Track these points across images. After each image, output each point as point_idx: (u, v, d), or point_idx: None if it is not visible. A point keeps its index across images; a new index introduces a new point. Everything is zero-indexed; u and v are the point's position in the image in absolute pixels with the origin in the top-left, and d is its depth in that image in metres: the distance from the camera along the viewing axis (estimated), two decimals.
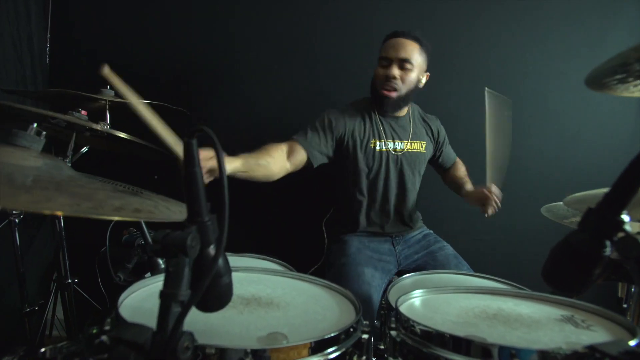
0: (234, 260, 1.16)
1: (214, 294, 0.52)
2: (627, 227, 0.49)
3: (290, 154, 1.27)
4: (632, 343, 0.52)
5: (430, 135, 1.53)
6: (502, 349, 0.51)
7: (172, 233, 0.45)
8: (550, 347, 0.51)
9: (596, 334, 0.60)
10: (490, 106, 1.15)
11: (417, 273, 1.11)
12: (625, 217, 0.50)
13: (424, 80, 1.42)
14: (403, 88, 1.34)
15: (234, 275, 0.90)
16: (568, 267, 0.54)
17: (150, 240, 1.20)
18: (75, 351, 0.64)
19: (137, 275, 1.19)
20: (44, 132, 0.74)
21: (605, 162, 1.75)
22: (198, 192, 0.47)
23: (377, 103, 1.40)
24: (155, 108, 1.39)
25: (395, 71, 1.32)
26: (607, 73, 0.61)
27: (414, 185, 1.47)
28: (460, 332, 0.57)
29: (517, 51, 1.83)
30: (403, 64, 1.32)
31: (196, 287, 0.46)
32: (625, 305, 1.55)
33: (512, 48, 1.83)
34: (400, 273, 1.35)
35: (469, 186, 1.47)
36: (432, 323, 0.61)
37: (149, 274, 1.09)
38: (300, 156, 1.29)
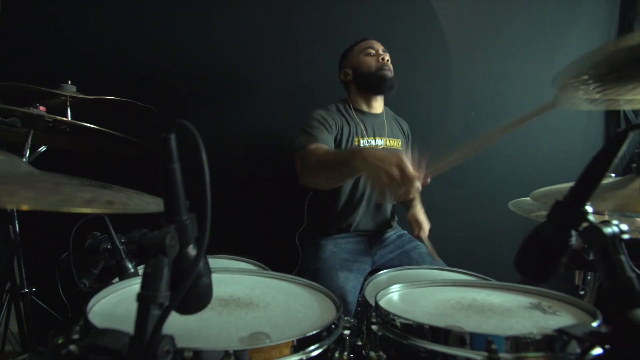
0: (214, 262, 1.13)
1: (194, 295, 0.50)
2: (591, 218, 0.53)
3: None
4: (594, 324, 0.56)
5: (403, 133, 1.59)
6: (479, 336, 0.53)
7: (149, 233, 0.43)
8: (522, 332, 0.54)
9: (562, 318, 0.64)
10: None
11: (392, 269, 1.14)
12: (589, 208, 0.54)
13: None
14: (392, 72, 1.47)
15: (212, 276, 0.87)
16: (538, 257, 0.58)
17: (118, 242, 1.14)
18: None
19: (103, 281, 1.13)
20: None
21: (568, 158, 1.88)
22: (176, 189, 0.46)
23: (375, 84, 1.45)
24: (122, 105, 1.34)
25: (386, 56, 1.47)
26: (571, 75, 0.65)
27: None
28: (438, 323, 0.59)
29: (481, 54, 1.92)
30: (386, 54, 1.48)
31: (176, 288, 0.44)
32: (582, 292, 1.68)
33: (477, 51, 1.92)
34: (374, 271, 1.38)
35: (415, 205, 1.50)
36: (411, 316, 0.63)
37: (117, 279, 1.03)
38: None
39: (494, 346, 0.50)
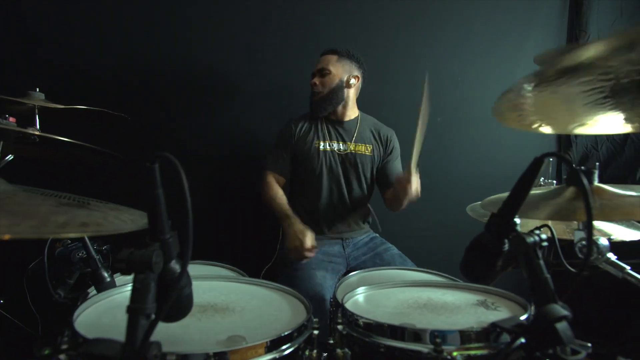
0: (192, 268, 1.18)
1: (177, 305, 0.56)
2: (518, 228, 0.64)
3: (279, 184, 1.56)
4: (522, 317, 0.68)
5: (378, 140, 1.62)
6: (428, 332, 0.63)
7: (136, 251, 0.49)
8: (465, 327, 0.64)
9: (501, 313, 0.75)
10: (427, 92, 1.32)
11: (361, 270, 1.23)
12: (517, 220, 0.64)
13: (353, 81, 1.59)
14: (324, 89, 1.55)
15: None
16: (478, 262, 0.68)
17: (93, 251, 1.16)
18: None
19: (78, 291, 1.14)
20: None
21: (523, 164, 2.04)
22: (160, 212, 0.52)
23: (310, 109, 1.60)
24: (94, 113, 1.35)
25: (315, 80, 1.57)
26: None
27: (360, 185, 1.58)
28: (395, 321, 0.68)
29: (445, 62, 2.05)
30: (321, 72, 1.56)
31: (162, 300, 0.51)
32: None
33: (442, 59, 2.05)
34: (348, 272, 1.47)
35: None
36: (372, 316, 0.72)
37: (92, 289, 1.06)
38: (281, 180, 1.57)
39: (438, 340, 0.60)
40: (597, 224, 1.15)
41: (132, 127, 1.64)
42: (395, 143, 1.67)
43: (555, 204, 0.87)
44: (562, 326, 0.53)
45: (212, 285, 0.95)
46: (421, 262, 1.45)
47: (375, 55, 1.91)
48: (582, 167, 0.89)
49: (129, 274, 0.48)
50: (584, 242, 0.86)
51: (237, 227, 1.88)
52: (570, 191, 0.90)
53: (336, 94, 1.55)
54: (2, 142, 1.08)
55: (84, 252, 1.15)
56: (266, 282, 0.98)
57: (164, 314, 0.55)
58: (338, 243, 1.56)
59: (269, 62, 1.85)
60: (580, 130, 0.76)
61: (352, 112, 1.62)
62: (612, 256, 0.84)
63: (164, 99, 1.78)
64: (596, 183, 0.88)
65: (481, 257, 0.68)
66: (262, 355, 0.62)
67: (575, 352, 0.53)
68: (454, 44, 2.04)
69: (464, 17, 2.04)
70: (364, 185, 1.60)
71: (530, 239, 0.60)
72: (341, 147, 1.56)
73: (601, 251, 0.85)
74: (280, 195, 1.52)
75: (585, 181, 0.55)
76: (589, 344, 0.93)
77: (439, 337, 0.61)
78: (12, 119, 1.06)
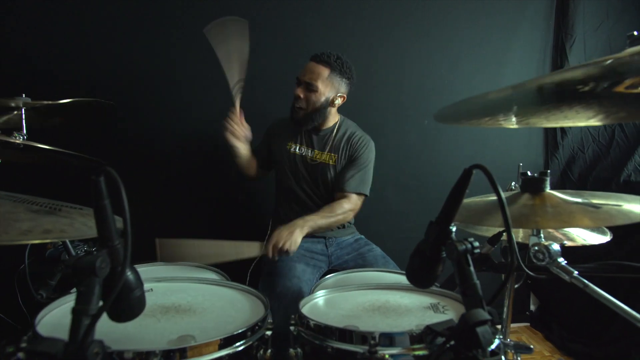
0: (171, 269, 1.23)
1: (126, 306, 0.61)
2: (453, 236, 0.68)
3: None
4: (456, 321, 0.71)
5: (346, 149, 1.59)
6: (368, 334, 0.67)
7: (83, 257, 0.54)
8: (405, 329, 0.68)
9: (445, 316, 0.79)
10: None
11: (339, 272, 1.27)
12: (453, 228, 0.68)
13: (338, 101, 1.54)
14: (308, 107, 1.50)
15: (161, 285, 0.99)
16: (419, 268, 0.72)
17: (73, 252, 1.22)
18: None
19: (61, 291, 1.20)
20: None
21: (509, 166, 2.06)
22: (108, 220, 0.57)
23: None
24: (81, 105, 1.41)
25: (300, 92, 1.50)
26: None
27: (327, 191, 1.59)
28: (343, 324, 0.73)
29: (433, 65, 2.08)
30: (308, 86, 1.48)
31: (105, 301, 0.56)
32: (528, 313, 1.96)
33: (429, 62, 2.08)
34: (331, 271, 1.46)
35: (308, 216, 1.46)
36: (324, 319, 0.76)
37: (74, 290, 1.12)
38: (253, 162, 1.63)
39: (373, 341, 0.64)
40: (569, 229, 1.19)
41: (119, 127, 1.72)
42: (363, 154, 1.57)
43: (512, 211, 0.90)
44: (482, 330, 0.57)
45: (183, 287, 1.00)
46: (405, 263, 1.48)
47: (360, 57, 1.95)
48: (530, 174, 0.92)
49: (75, 279, 0.53)
50: (537, 248, 0.90)
51: (226, 227, 1.94)
52: (525, 198, 0.93)
53: (318, 113, 1.52)
54: None
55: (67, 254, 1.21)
56: (237, 285, 1.02)
57: (113, 314, 0.61)
58: (321, 242, 1.60)
59: (259, 62, 1.89)
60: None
61: (332, 120, 1.62)
62: (562, 261, 0.87)
63: (152, 97, 1.83)
64: (547, 190, 0.91)
65: (421, 264, 0.72)
66: (216, 351, 0.67)
67: (494, 354, 0.57)
68: (441, 45, 2.07)
69: (451, 18, 2.07)
70: (330, 192, 1.60)
71: (462, 247, 0.64)
72: (309, 154, 1.59)
73: (552, 256, 0.88)
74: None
75: (500, 192, 0.59)
76: (531, 347, 0.97)
77: (375, 339, 0.65)
78: None
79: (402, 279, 1.20)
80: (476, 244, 0.66)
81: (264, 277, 1.44)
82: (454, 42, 2.08)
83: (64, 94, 1.37)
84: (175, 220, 1.86)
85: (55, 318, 0.74)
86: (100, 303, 0.53)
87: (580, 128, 2.09)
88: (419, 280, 0.74)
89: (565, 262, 0.88)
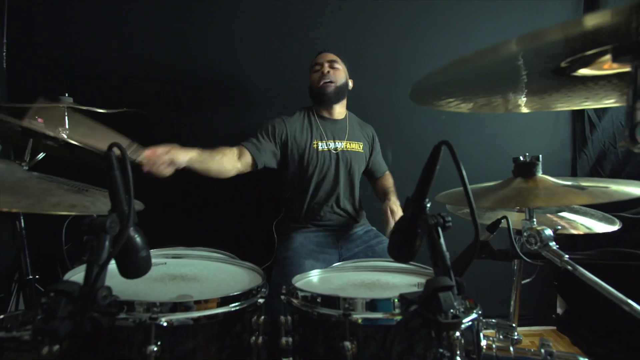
0: (187, 252, 1.36)
1: (134, 264, 0.73)
2: (427, 210, 0.73)
3: (240, 156, 1.55)
4: None
5: (366, 137, 1.78)
6: (344, 299, 0.74)
7: (97, 218, 0.66)
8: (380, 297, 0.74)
9: None
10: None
11: (344, 262, 1.33)
12: (427, 204, 0.74)
13: (350, 85, 1.74)
14: (337, 80, 1.66)
15: (174, 260, 1.11)
16: (398, 243, 0.78)
17: None
18: (28, 320, 0.83)
19: None
20: None
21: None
22: (117, 189, 0.68)
23: (319, 99, 1.67)
24: (112, 115, 1.59)
25: (327, 68, 1.66)
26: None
27: (354, 181, 1.70)
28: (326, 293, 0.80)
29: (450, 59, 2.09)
30: (332, 63, 1.67)
31: (119, 257, 0.68)
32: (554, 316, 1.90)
33: (446, 56, 2.09)
34: None
35: (389, 198, 1.66)
36: (311, 290, 0.84)
37: None
38: (248, 159, 1.56)
39: (347, 305, 0.71)
40: (572, 217, 1.18)
41: (145, 126, 1.88)
42: (376, 138, 1.82)
43: (502, 194, 0.93)
44: (444, 295, 0.62)
45: (193, 263, 1.12)
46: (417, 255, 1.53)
47: (376, 51, 2.01)
48: (522, 158, 0.94)
49: (91, 234, 0.65)
50: (530, 232, 0.92)
51: (243, 226, 2.04)
52: (517, 182, 0.96)
53: (343, 91, 1.70)
54: (31, 140, 1.33)
55: None
56: (242, 263, 1.13)
57: (123, 271, 0.72)
58: (331, 235, 1.67)
59: (272, 63, 2.01)
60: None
61: (344, 111, 1.74)
62: (553, 245, 0.89)
63: (176, 100, 2.00)
64: (539, 174, 0.93)
65: (400, 239, 0.78)
66: (214, 309, 0.77)
67: (455, 317, 0.62)
68: (459, 39, 2.08)
69: (469, 13, 2.07)
70: (356, 182, 1.72)
71: (433, 221, 0.70)
72: (337, 146, 1.67)
73: (544, 240, 0.90)
74: (220, 151, 1.48)
75: (462, 168, 0.64)
76: (513, 325, 0.99)
77: (351, 304, 0.72)
78: (40, 120, 1.30)
79: (400, 266, 1.25)
80: (448, 218, 0.71)
81: (275, 272, 1.51)
82: (471, 37, 2.08)
83: (103, 98, 1.56)
84: (192, 216, 2.00)
85: (79, 277, 0.87)
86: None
87: (612, 121, 2.00)
88: (400, 254, 0.79)
89: (557, 246, 0.90)
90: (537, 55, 0.62)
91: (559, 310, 2.22)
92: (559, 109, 1.04)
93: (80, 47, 1.91)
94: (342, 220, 1.69)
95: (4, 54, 1.85)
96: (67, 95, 1.57)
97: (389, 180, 1.83)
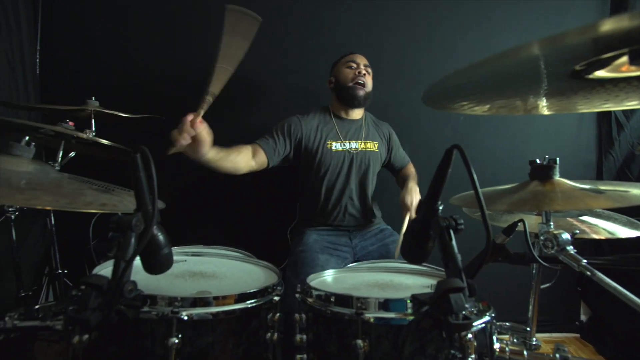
0: (206, 250, 1.41)
1: (157, 261, 0.77)
2: (439, 213, 0.74)
3: (254, 154, 1.55)
4: None
5: (382, 137, 1.78)
6: (358, 299, 0.76)
7: (123, 217, 0.71)
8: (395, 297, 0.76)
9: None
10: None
11: (359, 263, 1.35)
12: (440, 206, 0.75)
13: None
14: (368, 85, 1.67)
15: (194, 258, 1.16)
16: (411, 244, 0.80)
17: None
18: (60, 310, 0.90)
19: None
20: (33, 143, 1.00)
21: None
22: (142, 189, 0.73)
23: (347, 98, 1.66)
24: (138, 120, 1.66)
25: (363, 70, 1.66)
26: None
27: (369, 182, 1.71)
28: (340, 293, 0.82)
29: (470, 59, 2.07)
30: (367, 68, 1.69)
31: (144, 254, 0.72)
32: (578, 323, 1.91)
33: (466, 56, 2.08)
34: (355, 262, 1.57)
35: (407, 184, 1.63)
36: (325, 289, 0.86)
37: None
38: (262, 157, 1.56)
39: (360, 304, 0.73)
40: (594, 221, 1.16)
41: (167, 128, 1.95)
42: (393, 135, 1.84)
43: (517, 197, 0.94)
44: (455, 296, 0.64)
45: (212, 260, 1.17)
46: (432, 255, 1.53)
47: (393, 52, 2.01)
48: (539, 161, 0.94)
49: (118, 232, 0.70)
50: (546, 235, 0.92)
51: (260, 225, 2.07)
52: (533, 184, 0.95)
53: (369, 98, 1.70)
54: (63, 142, 1.41)
55: None
56: (258, 261, 1.16)
57: (147, 267, 0.77)
58: (345, 235, 1.68)
59: (290, 63, 2.05)
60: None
61: (361, 112, 1.75)
62: (570, 249, 0.88)
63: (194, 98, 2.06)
64: (557, 177, 0.92)
65: (413, 241, 0.79)
66: (232, 304, 0.80)
67: (466, 318, 0.63)
68: (479, 40, 2.06)
69: (489, 14, 2.04)
70: (371, 181, 1.72)
71: (445, 223, 0.71)
72: (352, 146, 1.67)
73: (560, 244, 0.90)
74: (236, 149, 1.47)
75: (473, 171, 0.65)
76: (528, 329, 0.98)
77: (362, 303, 0.74)
78: (71, 123, 1.39)
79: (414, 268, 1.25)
80: (460, 221, 0.72)
81: (289, 267, 1.53)
82: (490, 38, 2.05)
83: (127, 102, 1.64)
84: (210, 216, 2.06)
85: (105, 272, 0.93)
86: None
87: None
88: (412, 256, 0.81)
89: (575, 250, 0.89)
90: (556, 57, 0.62)
91: (583, 317, 2.16)
92: (579, 111, 1.03)
93: (106, 55, 2.01)
94: (356, 219, 1.70)
95: (37, 60, 1.97)
96: (93, 99, 1.66)
97: (410, 169, 1.84)
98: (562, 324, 2.14)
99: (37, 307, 0.88)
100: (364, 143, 1.70)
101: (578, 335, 2.15)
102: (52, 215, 1.65)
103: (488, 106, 0.91)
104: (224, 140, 2.03)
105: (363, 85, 1.64)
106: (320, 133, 1.67)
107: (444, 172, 0.72)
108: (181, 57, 2.04)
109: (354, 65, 1.66)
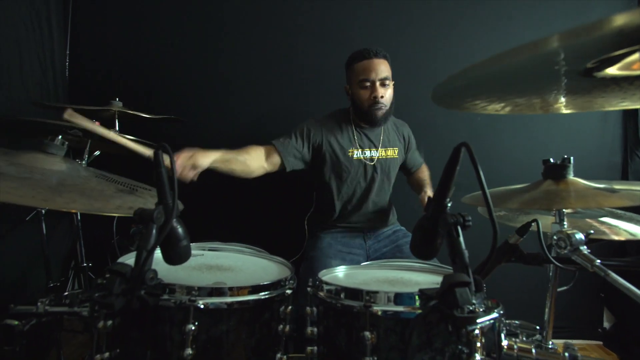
0: (223, 245, 1.46)
1: (176, 252, 0.82)
2: (447, 210, 0.76)
3: (268, 156, 1.54)
4: None
5: (401, 140, 1.76)
6: (368, 292, 0.79)
7: (146, 209, 0.76)
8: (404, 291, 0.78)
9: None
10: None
11: (371, 262, 1.38)
12: (448, 203, 0.77)
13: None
14: (388, 103, 1.58)
15: (211, 252, 1.21)
16: (420, 241, 0.82)
17: None
18: (86, 298, 0.96)
19: None
20: (67, 142, 1.07)
21: (580, 158, 1.95)
22: (163, 184, 0.78)
23: (365, 119, 1.61)
24: (159, 120, 1.74)
25: (381, 91, 1.53)
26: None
27: (387, 188, 1.72)
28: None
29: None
30: (384, 82, 1.55)
31: (164, 245, 0.77)
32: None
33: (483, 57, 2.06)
34: None
35: (425, 190, 1.65)
36: (336, 283, 0.89)
37: None
38: (276, 159, 1.56)
39: (369, 297, 0.76)
40: (615, 222, 1.15)
41: (186, 128, 2.04)
42: (411, 136, 1.81)
43: (529, 196, 0.94)
44: (460, 290, 0.66)
45: (229, 255, 1.22)
46: (443, 253, 1.53)
47: (410, 53, 2.01)
48: (552, 160, 0.94)
49: (141, 223, 0.75)
50: (559, 235, 0.92)
51: (273, 221, 2.13)
52: (547, 184, 0.96)
53: (391, 110, 1.62)
54: (90, 141, 1.50)
55: None
56: (272, 257, 1.20)
57: (167, 258, 0.82)
58: (359, 236, 1.70)
59: (306, 63, 2.09)
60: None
61: None
62: (584, 249, 0.88)
63: (212, 98, 2.13)
64: (571, 177, 0.92)
65: (422, 237, 0.81)
66: (245, 295, 0.85)
67: (471, 312, 0.65)
68: (494, 42, 2.04)
69: (509, 14, 2.03)
70: (389, 187, 1.73)
71: (452, 220, 0.73)
72: (373, 154, 1.65)
73: (574, 244, 0.89)
74: (246, 151, 1.47)
75: (480, 169, 0.66)
76: (537, 327, 0.98)
77: (372, 295, 0.77)
78: (97, 123, 1.47)
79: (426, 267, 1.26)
80: (468, 217, 0.74)
81: (302, 271, 1.53)
82: (511, 37, 2.04)
83: (149, 103, 1.72)
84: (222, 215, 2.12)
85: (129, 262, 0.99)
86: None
87: None
88: (421, 252, 0.83)
89: (589, 251, 0.89)
90: (574, 53, 0.62)
91: (606, 324, 2.10)
92: (599, 110, 1.02)
93: (129, 59, 2.12)
94: (372, 223, 1.71)
95: (67, 64, 2.09)
96: (117, 100, 1.75)
97: (424, 173, 1.82)
98: (584, 331, 2.09)
99: (65, 294, 0.94)
100: (385, 151, 1.68)
101: (601, 342, 2.09)
102: (78, 213, 1.75)
103: (502, 104, 0.92)
104: (238, 143, 2.08)
105: (381, 106, 1.56)
106: (341, 140, 1.63)
107: (452, 170, 0.74)
108: (201, 61, 2.12)
109: (368, 84, 1.54)
